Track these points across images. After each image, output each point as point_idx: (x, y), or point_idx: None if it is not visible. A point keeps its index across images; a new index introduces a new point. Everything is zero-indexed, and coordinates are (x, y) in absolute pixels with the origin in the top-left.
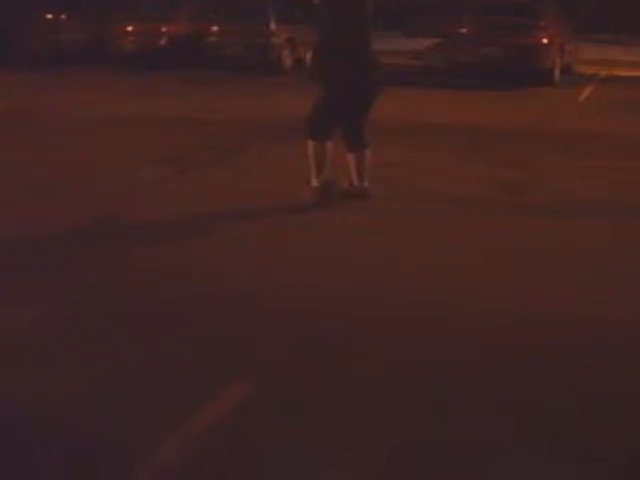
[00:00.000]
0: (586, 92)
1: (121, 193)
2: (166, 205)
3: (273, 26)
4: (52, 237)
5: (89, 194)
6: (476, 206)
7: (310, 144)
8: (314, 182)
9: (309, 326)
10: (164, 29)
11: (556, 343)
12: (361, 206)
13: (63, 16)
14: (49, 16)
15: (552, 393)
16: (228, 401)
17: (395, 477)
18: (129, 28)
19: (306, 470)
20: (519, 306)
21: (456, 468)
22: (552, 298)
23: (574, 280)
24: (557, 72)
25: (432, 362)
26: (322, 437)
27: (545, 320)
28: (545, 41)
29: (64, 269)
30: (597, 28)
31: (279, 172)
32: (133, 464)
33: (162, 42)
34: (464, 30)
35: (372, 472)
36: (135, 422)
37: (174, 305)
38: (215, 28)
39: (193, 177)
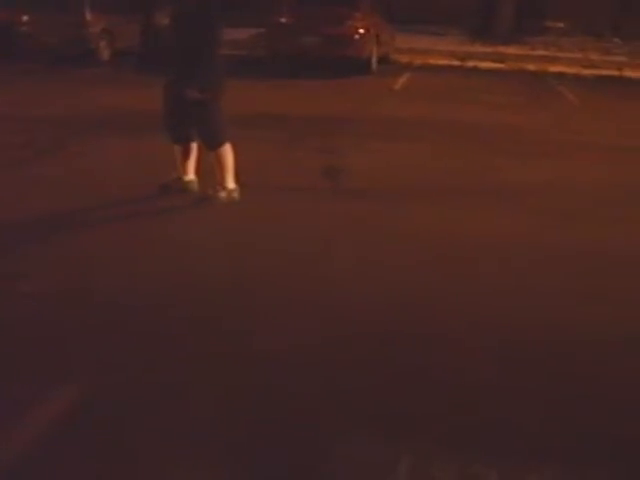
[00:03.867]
0: (402, 80)
1: None
2: None
3: (88, 16)
4: None
5: None
6: (300, 192)
7: (227, 148)
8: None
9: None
10: None
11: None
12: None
13: None
14: None
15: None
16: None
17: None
18: None
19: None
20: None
21: None
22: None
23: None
24: (374, 61)
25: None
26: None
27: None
28: (362, 31)
29: None
30: (412, 18)
31: (103, 169)
32: None
33: None
34: (284, 20)
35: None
36: None
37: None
38: (26, 17)
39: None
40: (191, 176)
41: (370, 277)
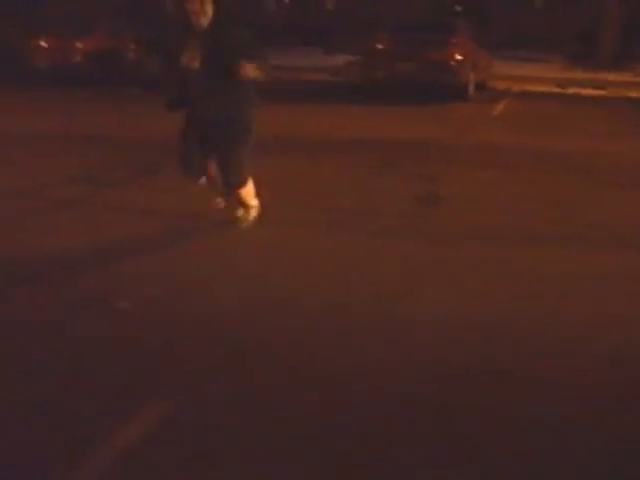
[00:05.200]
0: (499, 107)
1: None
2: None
3: None
4: None
5: None
6: (392, 219)
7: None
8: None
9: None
10: (79, 45)
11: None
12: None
13: None
14: None
15: None
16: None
17: None
18: (44, 43)
19: None
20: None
21: None
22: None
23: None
24: (471, 87)
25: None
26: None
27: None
28: (458, 57)
29: None
30: (510, 44)
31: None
32: None
33: (77, 58)
34: (380, 46)
35: None
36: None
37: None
38: (133, 45)
39: (108, 197)
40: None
41: (467, 315)
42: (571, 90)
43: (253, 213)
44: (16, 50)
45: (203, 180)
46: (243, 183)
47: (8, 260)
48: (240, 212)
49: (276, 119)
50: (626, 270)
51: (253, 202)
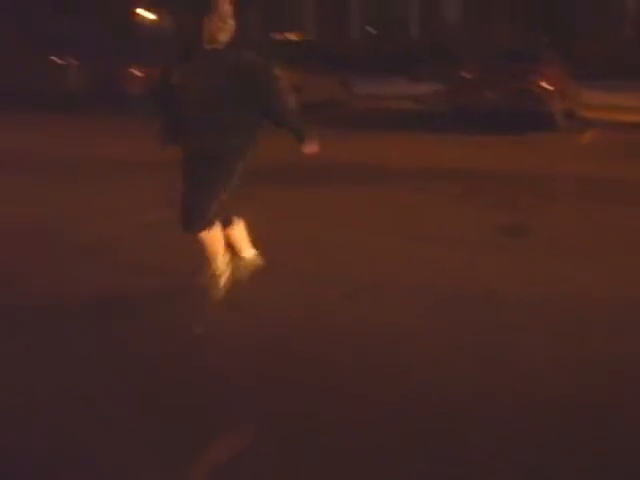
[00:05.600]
0: (588, 137)
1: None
2: None
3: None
4: None
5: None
6: (476, 248)
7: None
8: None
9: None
10: None
11: None
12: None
13: (73, 61)
14: (58, 61)
15: None
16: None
17: None
18: (137, 72)
19: None
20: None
21: None
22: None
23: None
24: (559, 116)
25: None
26: None
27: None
28: (546, 85)
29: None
30: (600, 73)
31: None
32: None
33: None
34: (466, 75)
35: None
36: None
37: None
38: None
39: None
40: (251, 250)
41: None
42: None
43: (248, 264)
44: (111, 78)
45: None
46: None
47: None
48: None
49: (360, 148)
50: None
51: (246, 252)
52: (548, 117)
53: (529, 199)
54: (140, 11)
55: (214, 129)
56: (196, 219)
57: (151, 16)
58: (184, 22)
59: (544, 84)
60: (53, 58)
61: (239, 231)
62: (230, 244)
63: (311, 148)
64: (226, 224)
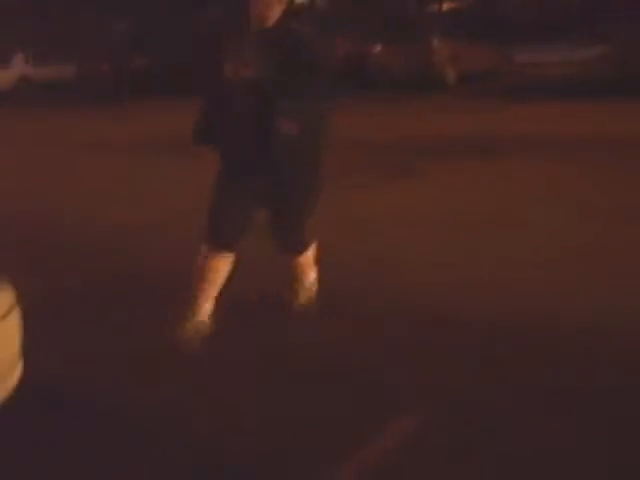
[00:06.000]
0: None
1: None
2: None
3: (436, 43)
4: None
5: None
6: None
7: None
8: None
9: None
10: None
11: None
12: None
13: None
14: None
15: None
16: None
17: None
18: None
19: None
20: None
21: None
22: None
23: None
24: None
25: None
26: None
27: None
28: None
29: None
30: None
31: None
32: None
33: None
34: (631, 36)
35: None
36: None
37: None
38: (378, 48)
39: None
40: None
41: None
42: None
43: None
44: None
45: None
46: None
47: None
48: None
49: (522, 117)
50: None
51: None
52: None
53: None
54: None
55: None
56: (295, 240)
57: None
58: None
59: None
60: None
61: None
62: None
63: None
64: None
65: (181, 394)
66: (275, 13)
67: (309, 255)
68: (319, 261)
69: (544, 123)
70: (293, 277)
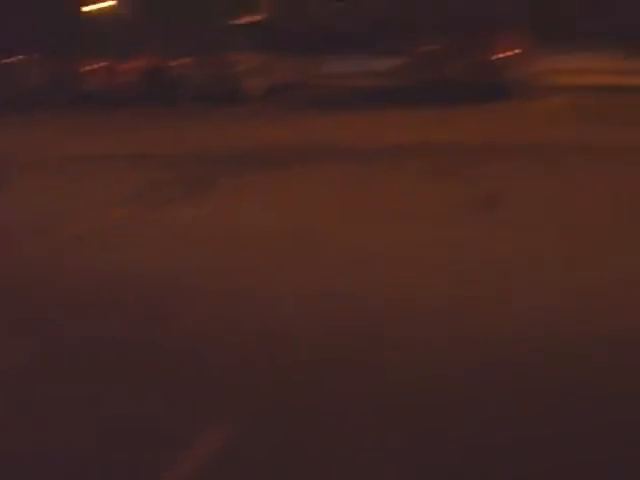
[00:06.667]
0: (555, 102)
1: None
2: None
3: (236, 56)
4: None
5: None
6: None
7: None
8: None
9: None
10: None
11: None
12: None
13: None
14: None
15: None
16: None
17: None
18: (91, 67)
19: None
20: None
21: None
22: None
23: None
24: (521, 84)
25: None
26: None
27: None
28: (510, 54)
29: None
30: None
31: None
32: None
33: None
34: (428, 48)
35: None
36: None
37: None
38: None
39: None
40: None
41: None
42: (627, 81)
43: None
44: (65, 75)
45: None
46: None
47: None
48: None
49: (326, 127)
50: None
51: None
52: (513, 85)
53: (498, 168)
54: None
55: None
56: None
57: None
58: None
59: (505, 53)
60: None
61: None
62: None
63: None
64: None
65: None
66: None
67: None
68: None
69: (346, 131)
70: None
